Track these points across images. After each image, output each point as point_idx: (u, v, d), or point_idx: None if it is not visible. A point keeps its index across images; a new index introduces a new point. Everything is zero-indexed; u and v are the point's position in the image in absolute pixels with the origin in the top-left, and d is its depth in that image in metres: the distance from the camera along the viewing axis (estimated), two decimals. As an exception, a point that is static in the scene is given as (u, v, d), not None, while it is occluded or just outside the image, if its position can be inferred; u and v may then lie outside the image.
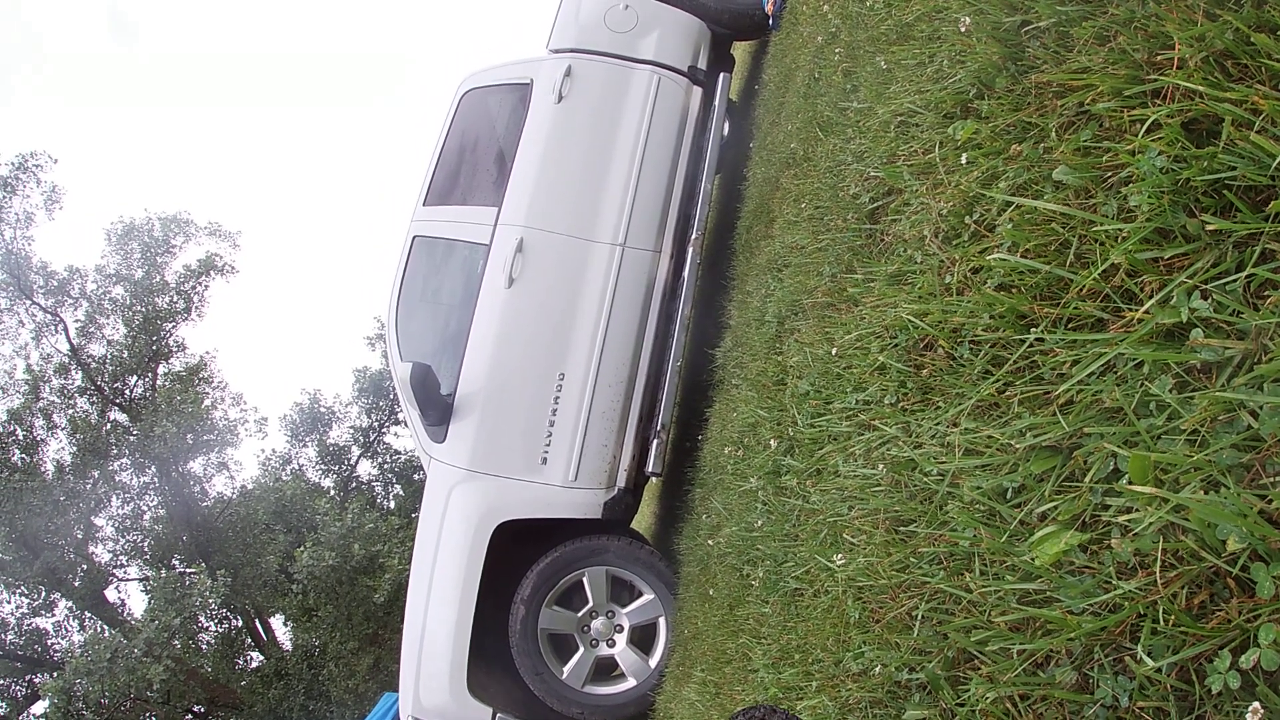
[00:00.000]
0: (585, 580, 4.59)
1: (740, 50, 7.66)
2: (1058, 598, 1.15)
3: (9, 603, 15.13)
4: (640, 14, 5.36)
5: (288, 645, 16.54)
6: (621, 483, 4.73)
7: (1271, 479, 0.92)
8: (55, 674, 12.87)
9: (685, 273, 4.98)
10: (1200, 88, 1.06)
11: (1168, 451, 1.02)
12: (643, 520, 8.41)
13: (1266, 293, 0.99)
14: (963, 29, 1.81)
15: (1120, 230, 1.17)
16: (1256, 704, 0.86)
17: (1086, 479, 1.16)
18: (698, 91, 5.37)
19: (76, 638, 15.45)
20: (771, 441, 2.82)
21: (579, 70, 5.14)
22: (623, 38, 5.29)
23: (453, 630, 4.38)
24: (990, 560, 1.35)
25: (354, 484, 19.05)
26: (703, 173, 5.22)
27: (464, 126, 5.32)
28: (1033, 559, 1.19)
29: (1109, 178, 1.25)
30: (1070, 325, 1.27)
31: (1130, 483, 1.03)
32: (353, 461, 19.21)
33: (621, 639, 4.64)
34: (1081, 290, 1.25)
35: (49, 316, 16.26)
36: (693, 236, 5.04)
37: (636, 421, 4.82)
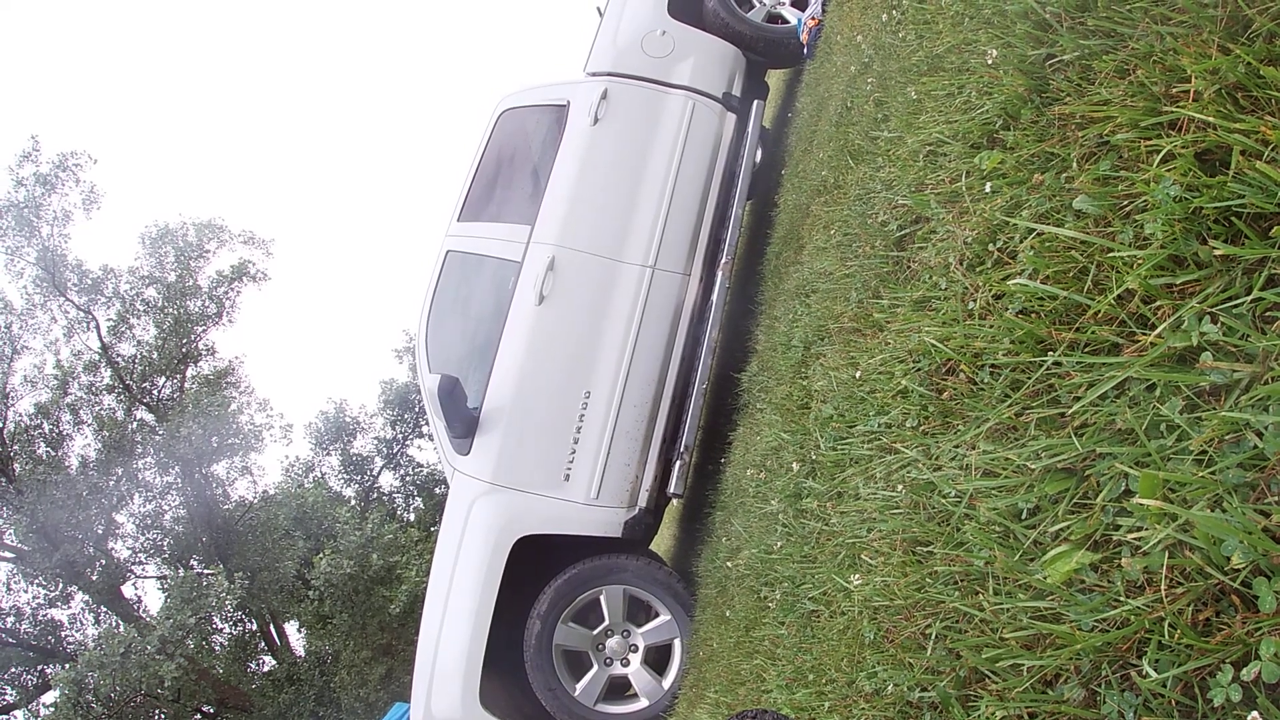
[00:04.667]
0: (602, 598, 4.60)
1: (775, 78, 7.75)
2: (1068, 614, 1.18)
3: (26, 592, 15.36)
4: (677, 40, 5.45)
5: (301, 651, 16.62)
6: (643, 503, 4.75)
7: (1275, 497, 0.95)
8: (68, 665, 13.01)
9: (714, 296, 5.03)
10: (1212, 119, 1.11)
11: (1176, 471, 1.05)
12: (662, 542, 8.41)
13: (1273, 316, 1.03)
14: (990, 61, 1.86)
15: (1135, 257, 1.21)
16: (1255, 714, 0.88)
17: (1099, 499, 1.19)
18: (731, 118, 5.44)
19: (91, 631, 15.63)
20: (794, 464, 2.85)
21: (615, 94, 5.23)
22: (659, 63, 5.38)
23: (467, 641, 4.40)
24: (1004, 579, 1.37)
25: (375, 494, 19.19)
26: (734, 198, 5.28)
27: (500, 145, 5.41)
28: (1045, 577, 1.22)
29: (1126, 206, 1.29)
30: (1086, 349, 1.31)
31: (1140, 499, 1.06)
32: (375, 472, 19.35)
33: (636, 658, 4.64)
34: (1098, 315, 1.29)
35: (81, 314, 16.57)
36: (722, 261, 5.09)
37: (660, 442, 4.85)
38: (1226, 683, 0.94)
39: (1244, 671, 0.92)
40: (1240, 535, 0.94)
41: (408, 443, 19.43)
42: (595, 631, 4.64)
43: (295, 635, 17.25)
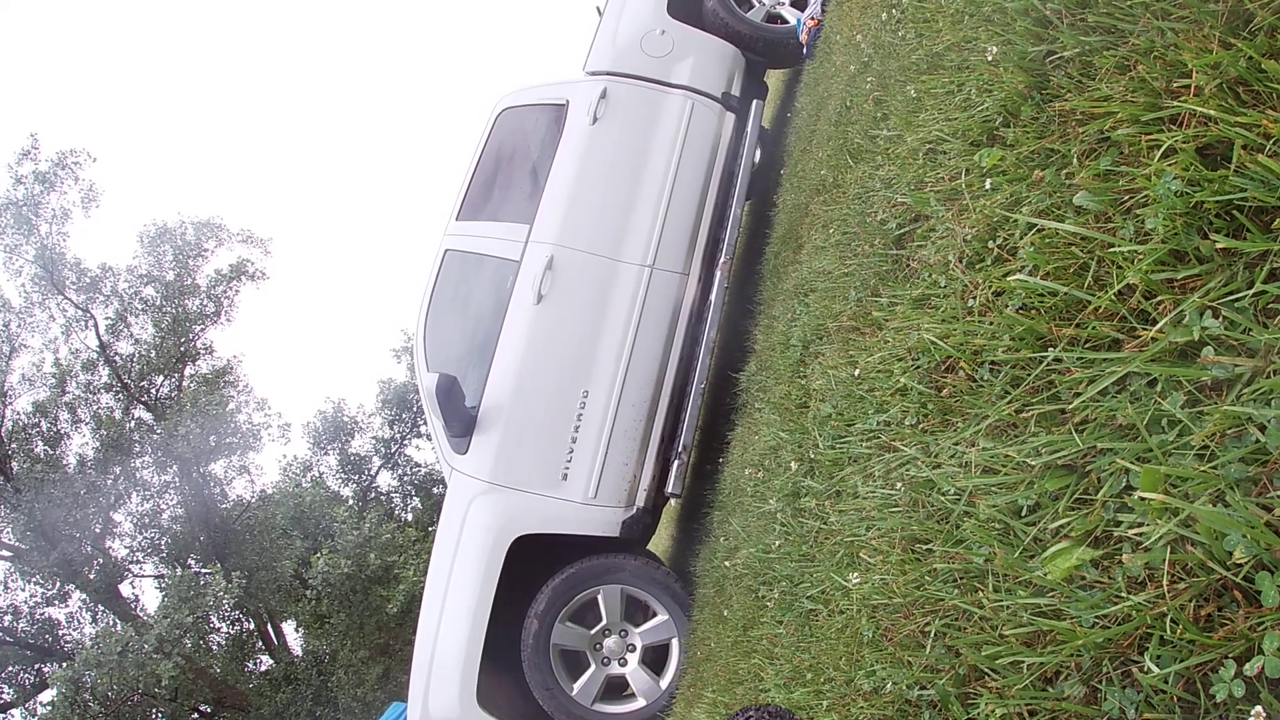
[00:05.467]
0: (600, 598, 4.60)
1: (774, 78, 7.75)
2: (1069, 611, 1.17)
3: (23, 591, 15.35)
4: (676, 40, 5.45)
5: (298, 650, 16.61)
6: (641, 502, 4.74)
7: (1278, 491, 0.95)
8: (65, 664, 12.99)
9: (712, 296, 5.02)
10: (1214, 113, 1.10)
11: (1178, 466, 1.04)
12: (659, 543, 8.40)
13: (1275, 310, 1.03)
14: (990, 59, 1.85)
15: (1136, 252, 1.20)
16: (1259, 708, 0.88)
17: (1100, 495, 1.18)
18: (730, 118, 5.44)
19: (88, 630, 15.62)
20: (792, 464, 2.84)
21: (614, 93, 5.22)
22: (658, 63, 5.38)
23: (465, 641, 4.39)
24: (1004, 576, 1.37)
25: (373, 494, 19.16)
26: (733, 198, 5.28)
27: (499, 144, 5.41)
28: (1045, 574, 1.22)
29: (1127, 201, 1.29)
30: (1087, 345, 1.30)
31: (1141, 494, 1.05)
32: (373, 472, 19.32)
33: (633, 658, 4.64)
34: (1098, 311, 1.28)
35: (80, 312, 16.55)
36: (721, 260, 5.09)
37: (658, 442, 4.85)
38: (1229, 678, 0.93)
39: (1247, 667, 0.91)
40: (1243, 530, 0.94)
41: (406, 442, 19.40)
42: (593, 631, 4.63)
43: (293, 635, 17.24)
